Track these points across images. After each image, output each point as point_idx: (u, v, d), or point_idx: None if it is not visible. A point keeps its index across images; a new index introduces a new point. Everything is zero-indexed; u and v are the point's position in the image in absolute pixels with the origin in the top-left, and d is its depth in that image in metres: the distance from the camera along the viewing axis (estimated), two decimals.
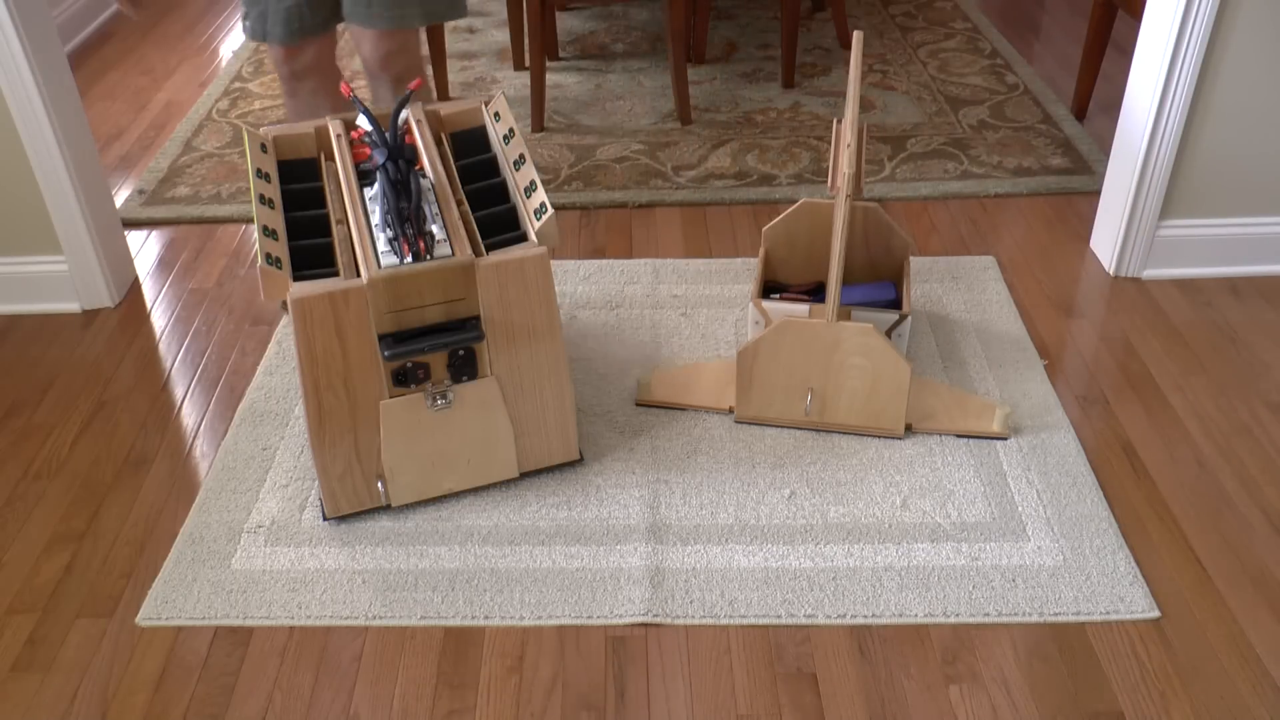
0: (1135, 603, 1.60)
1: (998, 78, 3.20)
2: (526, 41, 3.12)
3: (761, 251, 2.08)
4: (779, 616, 1.60)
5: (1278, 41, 2.07)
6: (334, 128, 1.84)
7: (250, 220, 2.62)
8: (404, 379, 1.64)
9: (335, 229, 1.70)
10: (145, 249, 2.54)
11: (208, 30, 3.76)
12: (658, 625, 1.60)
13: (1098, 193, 2.46)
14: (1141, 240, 2.28)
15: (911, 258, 2.11)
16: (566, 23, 3.62)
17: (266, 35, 2.08)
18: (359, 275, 1.58)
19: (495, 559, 1.70)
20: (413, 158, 1.64)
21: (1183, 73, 2.08)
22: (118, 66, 3.47)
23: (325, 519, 1.77)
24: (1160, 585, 1.64)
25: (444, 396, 1.68)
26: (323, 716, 1.50)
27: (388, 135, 1.63)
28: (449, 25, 3.56)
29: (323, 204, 1.77)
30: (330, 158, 1.86)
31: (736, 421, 1.95)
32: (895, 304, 2.02)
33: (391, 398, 1.65)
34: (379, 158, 1.61)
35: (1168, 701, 1.48)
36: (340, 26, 2.14)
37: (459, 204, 1.72)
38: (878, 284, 2.07)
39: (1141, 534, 1.72)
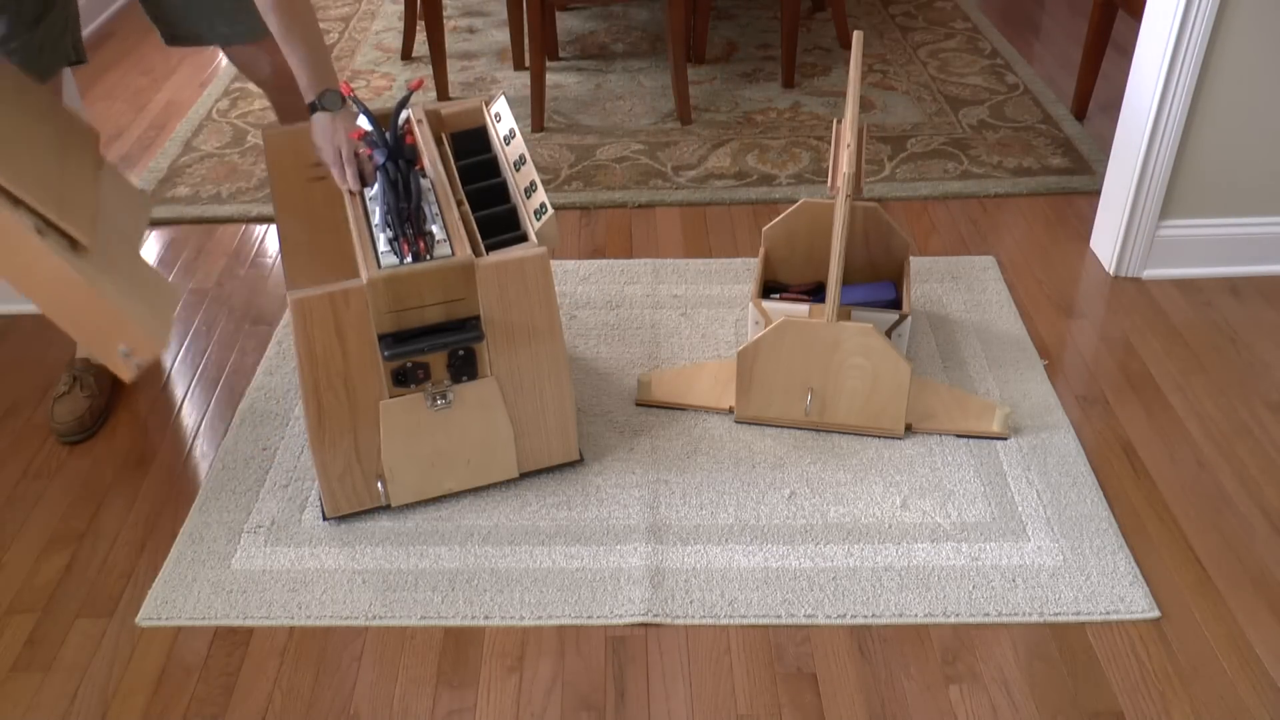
0: (1135, 603, 1.60)
1: (998, 78, 3.20)
2: (526, 41, 3.11)
3: (761, 251, 2.08)
4: (779, 616, 1.60)
5: (1277, 42, 2.07)
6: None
7: (251, 220, 2.62)
8: (404, 379, 1.64)
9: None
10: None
11: None
12: (658, 625, 1.60)
13: (1098, 193, 2.46)
14: (1141, 240, 2.28)
15: (911, 258, 2.11)
16: (566, 23, 3.62)
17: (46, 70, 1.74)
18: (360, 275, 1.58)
19: (495, 559, 1.70)
20: (413, 158, 1.64)
21: (1183, 73, 2.08)
22: (118, 66, 3.46)
23: (325, 519, 1.77)
24: (1160, 585, 1.64)
25: (444, 396, 1.68)
26: (323, 716, 1.50)
27: (388, 135, 1.63)
28: (449, 25, 3.56)
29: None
30: None
31: (736, 421, 1.95)
32: (895, 304, 2.02)
33: (391, 398, 1.65)
34: (379, 158, 1.61)
35: (1168, 701, 1.48)
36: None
37: (459, 204, 1.72)
38: (878, 284, 2.07)
39: (1141, 534, 1.72)
